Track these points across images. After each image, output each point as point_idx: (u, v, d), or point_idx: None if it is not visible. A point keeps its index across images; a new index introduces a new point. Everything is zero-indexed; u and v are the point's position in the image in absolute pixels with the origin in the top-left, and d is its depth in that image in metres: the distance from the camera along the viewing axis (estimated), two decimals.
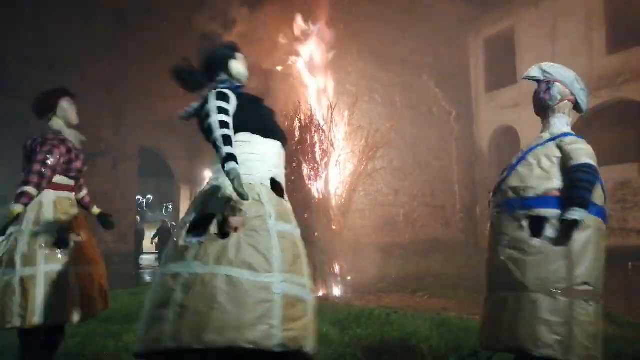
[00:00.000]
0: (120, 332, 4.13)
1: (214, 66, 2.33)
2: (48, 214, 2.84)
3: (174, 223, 18.15)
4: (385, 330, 4.31)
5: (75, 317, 2.83)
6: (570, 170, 2.34)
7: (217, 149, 1.92)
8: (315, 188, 8.02)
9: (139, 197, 29.67)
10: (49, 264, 2.77)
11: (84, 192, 3.27)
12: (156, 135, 14.24)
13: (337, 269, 7.90)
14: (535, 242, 2.32)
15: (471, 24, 17.40)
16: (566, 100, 2.60)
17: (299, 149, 8.00)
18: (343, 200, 8.39)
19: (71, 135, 3.08)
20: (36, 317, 2.67)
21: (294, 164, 7.97)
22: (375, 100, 14.61)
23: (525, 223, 2.36)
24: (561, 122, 2.57)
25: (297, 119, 8.10)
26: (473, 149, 17.09)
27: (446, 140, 16.53)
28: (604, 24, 13.58)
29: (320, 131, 8.13)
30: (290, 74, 10.52)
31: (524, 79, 2.72)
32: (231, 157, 1.87)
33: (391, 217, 14.81)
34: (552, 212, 2.31)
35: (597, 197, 2.38)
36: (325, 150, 8.06)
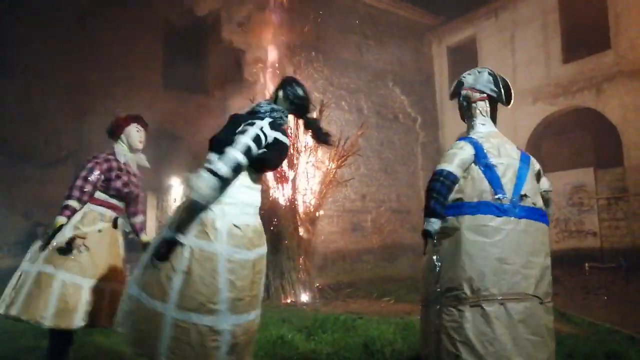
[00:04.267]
0: None
1: None
2: (75, 221, 3.00)
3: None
4: (350, 335, 4.35)
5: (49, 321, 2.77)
6: None
7: None
8: (283, 195, 8.01)
9: None
10: (43, 264, 2.86)
11: (138, 219, 3.41)
12: None
13: (305, 275, 7.91)
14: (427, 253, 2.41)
15: (434, 33, 17.82)
16: (474, 103, 2.62)
17: None
18: (312, 208, 8.40)
19: (132, 159, 3.28)
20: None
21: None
22: (342, 107, 14.74)
23: None
24: (473, 127, 2.64)
25: None
26: (438, 154, 17.44)
27: (412, 146, 16.82)
28: (559, 33, 14.14)
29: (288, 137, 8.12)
30: (256, 80, 10.52)
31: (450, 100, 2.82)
32: None
33: (359, 223, 14.94)
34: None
35: (474, 194, 2.27)
36: (292, 156, 8.06)
